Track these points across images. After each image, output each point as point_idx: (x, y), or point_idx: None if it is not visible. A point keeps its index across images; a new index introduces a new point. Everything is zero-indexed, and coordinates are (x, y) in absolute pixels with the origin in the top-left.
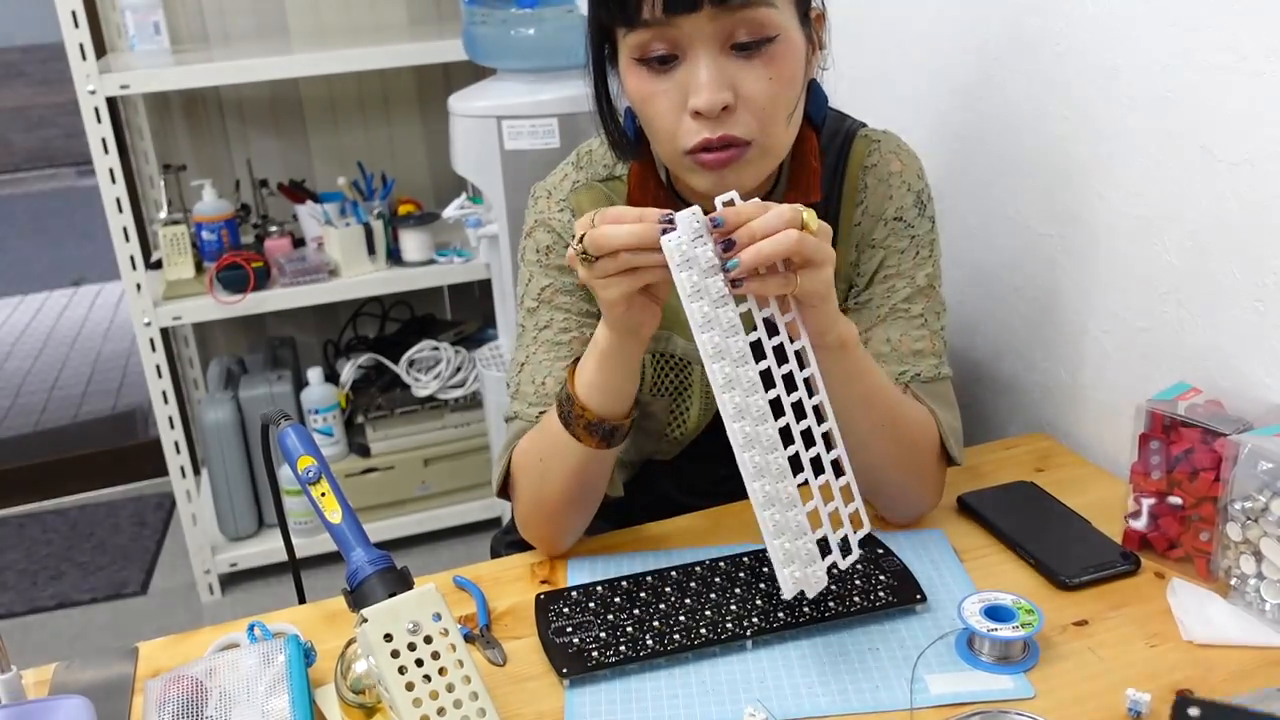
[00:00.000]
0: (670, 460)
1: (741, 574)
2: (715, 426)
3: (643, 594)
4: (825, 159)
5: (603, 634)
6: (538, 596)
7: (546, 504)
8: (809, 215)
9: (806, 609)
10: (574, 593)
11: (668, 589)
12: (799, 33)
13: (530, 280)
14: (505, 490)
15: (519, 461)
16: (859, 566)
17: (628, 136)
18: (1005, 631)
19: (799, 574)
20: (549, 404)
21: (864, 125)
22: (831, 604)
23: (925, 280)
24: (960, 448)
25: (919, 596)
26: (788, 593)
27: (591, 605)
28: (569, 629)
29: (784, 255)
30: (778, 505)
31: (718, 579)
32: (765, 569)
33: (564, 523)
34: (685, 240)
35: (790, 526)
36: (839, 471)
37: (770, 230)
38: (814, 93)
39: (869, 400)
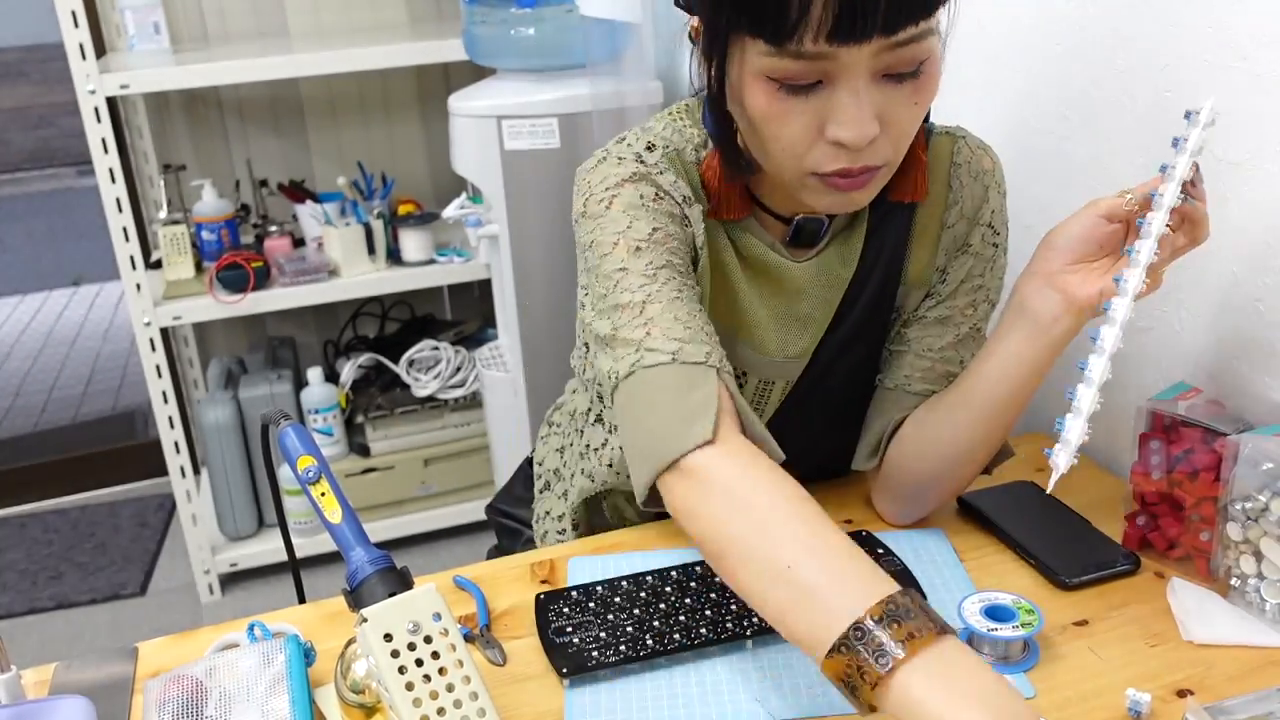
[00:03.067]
0: None
1: None
2: None
3: (643, 594)
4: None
5: (603, 634)
6: (538, 596)
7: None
8: None
9: None
10: (574, 593)
11: (668, 589)
12: (940, 50)
13: (629, 226)
14: (657, 497)
15: (718, 535)
16: None
17: (745, 157)
18: (1005, 631)
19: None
20: (712, 341)
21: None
22: None
23: (997, 298)
24: None
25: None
26: (1064, 467)
27: (591, 605)
28: (569, 629)
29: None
30: (1095, 394)
31: (718, 579)
32: None
33: None
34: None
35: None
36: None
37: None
38: None
39: None
